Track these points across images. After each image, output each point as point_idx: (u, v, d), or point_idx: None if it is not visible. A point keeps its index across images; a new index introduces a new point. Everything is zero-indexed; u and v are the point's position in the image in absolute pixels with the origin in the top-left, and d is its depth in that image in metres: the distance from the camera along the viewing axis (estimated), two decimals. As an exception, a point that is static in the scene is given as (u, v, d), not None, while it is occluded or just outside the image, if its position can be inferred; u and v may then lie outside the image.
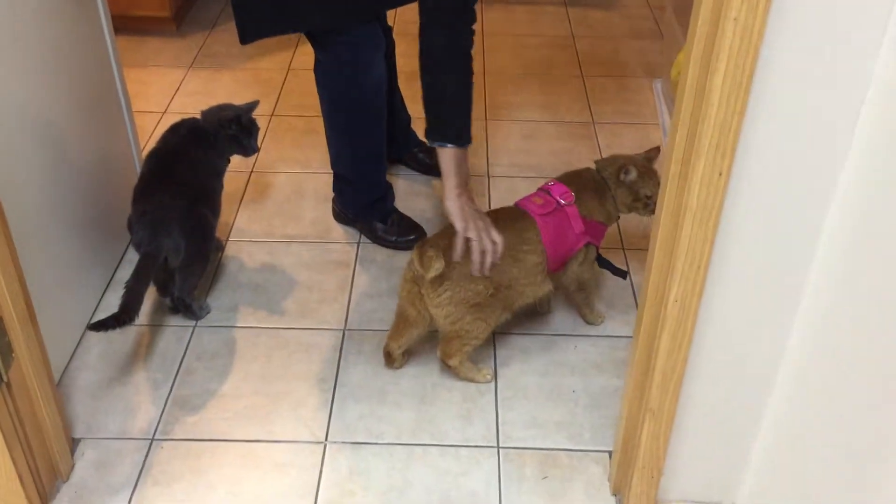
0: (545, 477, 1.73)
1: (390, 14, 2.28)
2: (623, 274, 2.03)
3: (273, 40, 3.32)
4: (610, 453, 1.77)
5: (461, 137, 1.86)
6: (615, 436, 1.70)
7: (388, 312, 2.12)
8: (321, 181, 2.57)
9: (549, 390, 1.92)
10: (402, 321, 1.89)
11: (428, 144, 1.89)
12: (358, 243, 2.35)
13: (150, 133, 2.73)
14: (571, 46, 3.39)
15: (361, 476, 1.73)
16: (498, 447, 1.79)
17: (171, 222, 1.90)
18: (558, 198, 1.87)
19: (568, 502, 1.68)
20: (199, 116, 2.12)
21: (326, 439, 1.80)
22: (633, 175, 1.90)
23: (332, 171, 2.37)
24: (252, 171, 2.62)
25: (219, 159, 2.11)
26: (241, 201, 2.50)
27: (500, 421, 1.85)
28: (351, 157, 2.29)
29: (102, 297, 2.14)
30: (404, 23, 2.40)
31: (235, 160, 2.18)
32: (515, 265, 1.82)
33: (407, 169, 2.64)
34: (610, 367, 1.98)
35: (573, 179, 1.94)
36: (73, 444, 1.77)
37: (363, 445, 1.79)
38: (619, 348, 2.03)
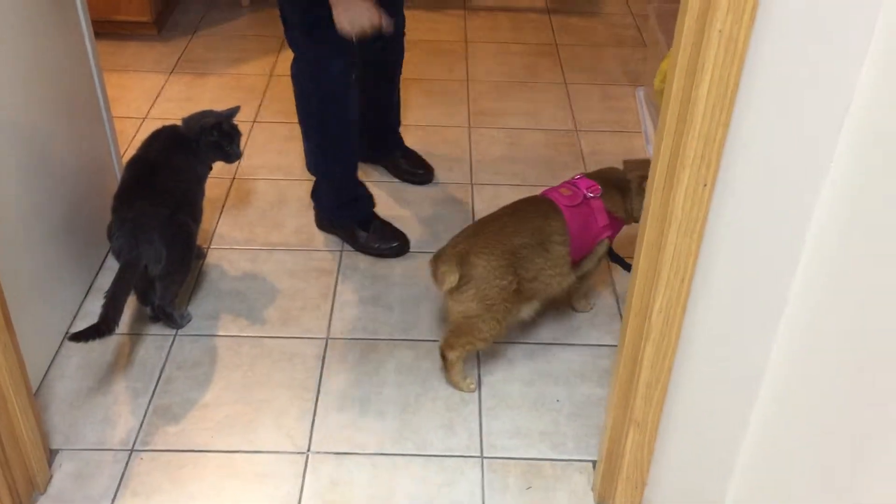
0: (529, 487, 1.72)
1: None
2: (630, 269, 2.06)
3: (255, 45, 3.32)
4: (594, 463, 1.77)
5: None
6: (599, 446, 1.69)
7: (371, 321, 2.11)
8: (304, 188, 2.56)
9: (532, 399, 1.92)
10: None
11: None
12: (341, 251, 2.34)
13: (130, 139, 2.70)
14: (554, 54, 3.39)
15: (344, 486, 1.71)
16: (482, 457, 1.78)
17: (152, 230, 1.88)
18: (585, 191, 1.91)
19: (552, 512, 1.68)
20: (180, 123, 2.10)
21: (309, 449, 1.79)
22: None
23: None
24: (234, 178, 2.60)
25: (200, 166, 2.09)
26: (222, 208, 2.48)
27: (483, 430, 1.84)
28: (321, 153, 2.28)
29: (81, 304, 2.11)
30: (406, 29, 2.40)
31: (218, 166, 2.16)
32: (542, 255, 1.84)
33: (389, 176, 2.63)
34: (593, 375, 1.98)
35: (599, 175, 1.99)
36: (51, 455, 1.75)
37: (346, 455, 1.78)
38: (603, 356, 2.03)
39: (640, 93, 3.03)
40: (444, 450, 1.79)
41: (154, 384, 1.92)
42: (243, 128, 2.16)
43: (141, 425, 1.83)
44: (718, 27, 1.07)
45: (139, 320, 2.08)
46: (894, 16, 1.03)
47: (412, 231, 2.38)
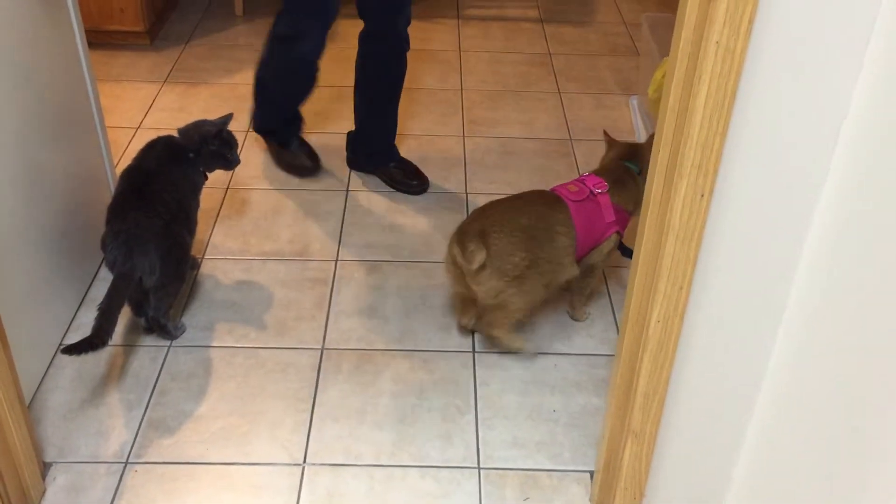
0: (526, 498, 1.72)
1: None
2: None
3: (248, 55, 3.31)
4: (591, 473, 1.76)
5: None
6: (597, 457, 1.69)
7: (366, 331, 2.10)
8: (299, 198, 2.55)
9: (529, 410, 1.91)
10: (460, 300, 2.04)
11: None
12: (336, 261, 2.33)
13: (123, 148, 2.69)
14: (548, 63, 3.40)
15: (340, 499, 1.70)
16: (479, 468, 1.78)
17: (147, 242, 1.87)
18: (592, 187, 1.95)
19: (549, 523, 1.67)
20: (174, 134, 2.09)
21: (304, 461, 1.78)
22: None
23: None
24: (228, 188, 2.59)
25: (196, 176, 2.08)
26: (216, 218, 2.47)
27: (480, 441, 1.83)
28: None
29: (75, 316, 2.10)
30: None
31: (212, 176, 2.15)
32: (548, 241, 1.88)
33: (384, 186, 2.62)
34: (590, 385, 1.98)
35: (605, 171, 2.04)
36: (45, 468, 1.73)
37: (342, 467, 1.77)
38: (599, 366, 2.03)
39: (634, 101, 3.04)
40: (441, 461, 1.79)
41: (148, 396, 1.91)
42: (237, 137, 2.16)
43: (135, 437, 1.81)
44: (716, 38, 1.07)
45: (133, 331, 2.07)
46: (891, 28, 1.03)
47: (407, 241, 2.38)
